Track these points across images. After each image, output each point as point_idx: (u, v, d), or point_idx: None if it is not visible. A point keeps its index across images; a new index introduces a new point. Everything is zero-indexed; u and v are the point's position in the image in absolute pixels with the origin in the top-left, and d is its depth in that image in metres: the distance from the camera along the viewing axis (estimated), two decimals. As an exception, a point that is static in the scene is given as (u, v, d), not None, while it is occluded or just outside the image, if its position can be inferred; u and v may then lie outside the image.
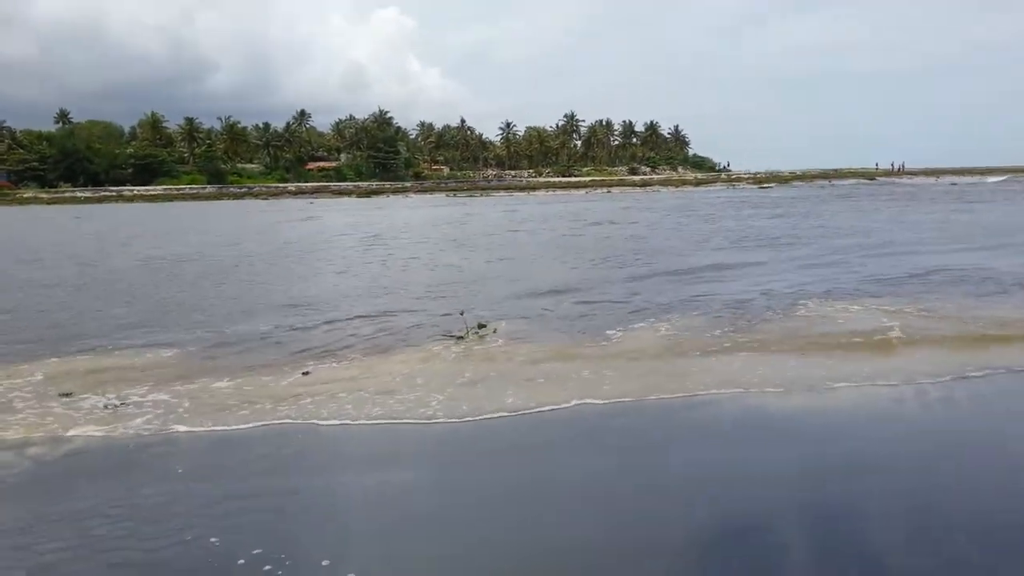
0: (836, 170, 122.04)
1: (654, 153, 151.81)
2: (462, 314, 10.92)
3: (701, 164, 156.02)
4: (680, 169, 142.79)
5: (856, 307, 11.52)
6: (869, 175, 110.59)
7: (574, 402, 7.26)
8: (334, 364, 9.12)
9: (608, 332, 10.36)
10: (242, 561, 4.39)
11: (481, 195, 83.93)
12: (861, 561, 4.30)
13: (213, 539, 4.70)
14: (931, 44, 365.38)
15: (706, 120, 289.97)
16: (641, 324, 10.86)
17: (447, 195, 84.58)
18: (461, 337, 10.26)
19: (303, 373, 8.60)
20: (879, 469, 5.65)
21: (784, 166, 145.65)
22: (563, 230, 31.11)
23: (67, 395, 7.83)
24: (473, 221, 39.68)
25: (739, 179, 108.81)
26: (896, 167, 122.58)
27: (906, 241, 22.45)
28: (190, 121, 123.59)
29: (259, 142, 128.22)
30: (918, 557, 4.38)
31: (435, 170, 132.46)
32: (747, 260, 18.44)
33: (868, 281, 14.10)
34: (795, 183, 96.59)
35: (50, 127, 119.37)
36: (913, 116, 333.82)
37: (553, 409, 7.09)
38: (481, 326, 10.65)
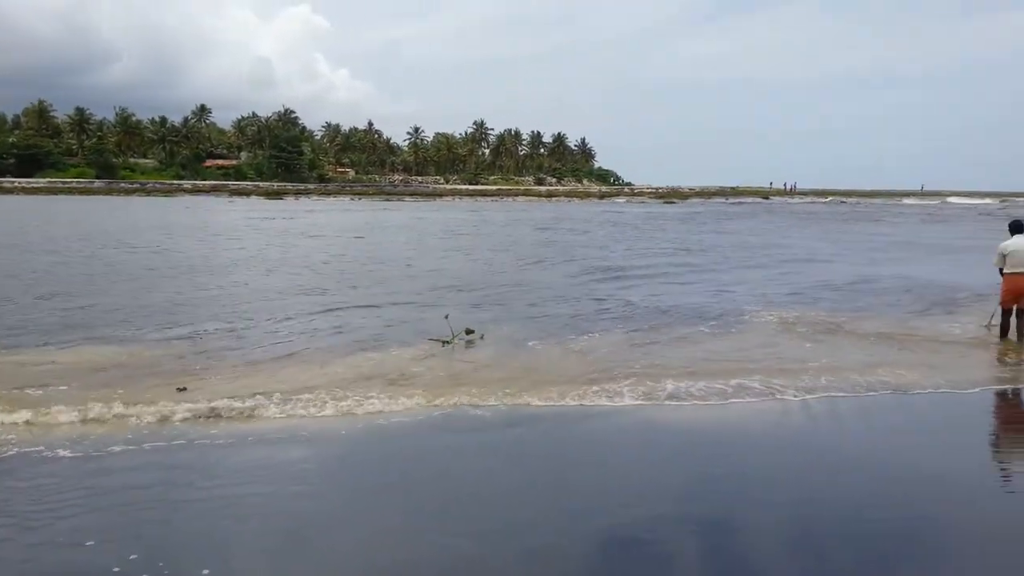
0: (733, 188, 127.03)
1: (560, 164, 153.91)
2: (446, 318, 10.79)
3: (605, 177, 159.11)
4: (585, 181, 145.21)
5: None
6: (763, 194, 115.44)
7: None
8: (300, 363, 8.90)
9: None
10: (117, 569, 4.21)
11: (397, 200, 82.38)
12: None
13: (89, 542, 4.52)
14: (829, 60, 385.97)
15: (611, 133, 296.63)
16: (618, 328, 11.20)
17: (351, 199, 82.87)
18: (447, 342, 10.18)
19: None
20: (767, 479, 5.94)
21: (682, 181, 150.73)
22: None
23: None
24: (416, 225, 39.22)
25: (641, 193, 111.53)
26: (788, 187, 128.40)
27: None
28: (80, 112, 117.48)
29: (155, 136, 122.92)
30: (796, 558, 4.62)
31: (340, 173, 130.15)
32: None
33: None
34: (694, 199, 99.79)
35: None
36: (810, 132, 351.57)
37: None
38: (469, 331, 10.59)
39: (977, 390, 8.39)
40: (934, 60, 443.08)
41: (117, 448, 6.19)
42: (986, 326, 11.59)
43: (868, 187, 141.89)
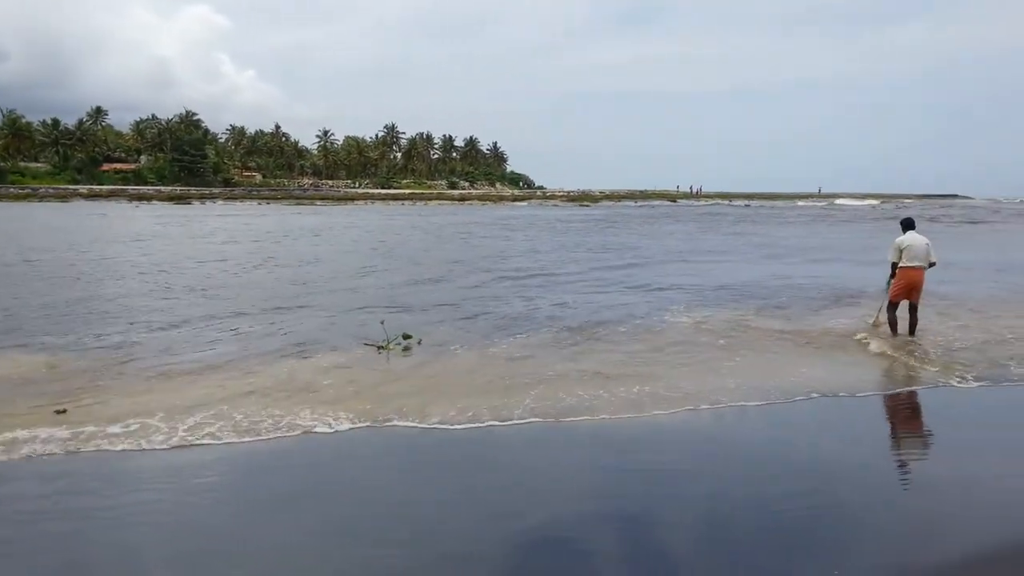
0: (642, 191, 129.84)
1: (473, 168, 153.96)
2: (382, 323, 10.67)
3: (518, 180, 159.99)
4: (498, 185, 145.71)
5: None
6: (671, 197, 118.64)
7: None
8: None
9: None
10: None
11: (308, 204, 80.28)
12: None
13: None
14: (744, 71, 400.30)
15: (522, 138, 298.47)
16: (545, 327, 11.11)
17: (259, 203, 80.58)
18: (383, 347, 10.07)
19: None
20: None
21: (593, 184, 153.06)
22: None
23: None
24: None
25: (553, 196, 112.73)
26: (694, 190, 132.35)
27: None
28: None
29: (46, 139, 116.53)
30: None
31: (247, 177, 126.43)
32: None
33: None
34: (605, 202, 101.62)
35: None
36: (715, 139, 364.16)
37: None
38: (406, 337, 10.50)
39: (885, 392, 8.97)
40: (826, 75, 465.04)
41: None
42: (873, 323, 11.94)
43: (769, 190, 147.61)
